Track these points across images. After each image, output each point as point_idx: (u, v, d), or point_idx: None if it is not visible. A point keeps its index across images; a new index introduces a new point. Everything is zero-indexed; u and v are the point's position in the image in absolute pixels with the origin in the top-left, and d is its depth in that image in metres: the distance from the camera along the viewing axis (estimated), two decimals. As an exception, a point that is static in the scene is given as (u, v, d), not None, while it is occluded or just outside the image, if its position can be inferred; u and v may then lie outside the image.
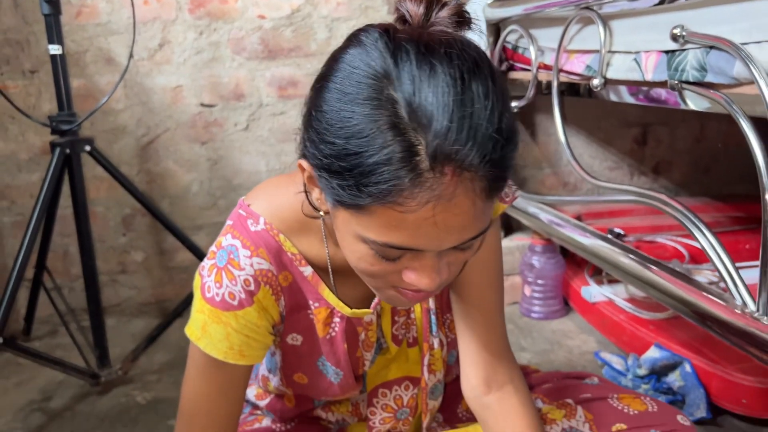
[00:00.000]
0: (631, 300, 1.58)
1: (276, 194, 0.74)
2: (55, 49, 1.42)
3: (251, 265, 0.71)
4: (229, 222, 0.75)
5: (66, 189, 1.50)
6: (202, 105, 1.92)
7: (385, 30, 0.55)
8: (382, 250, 0.57)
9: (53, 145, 1.44)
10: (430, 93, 0.51)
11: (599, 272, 1.78)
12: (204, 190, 1.97)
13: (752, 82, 0.86)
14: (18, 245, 1.39)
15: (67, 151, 1.44)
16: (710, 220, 1.05)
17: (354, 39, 0.57)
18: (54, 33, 1.42)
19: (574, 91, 1.64)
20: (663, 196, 1.06)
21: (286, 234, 0.73)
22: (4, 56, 1.79)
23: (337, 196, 0.56)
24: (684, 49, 1.00)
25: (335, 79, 0.55)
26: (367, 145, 0.51)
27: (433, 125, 0.51)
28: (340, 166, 0.53)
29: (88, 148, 1.49)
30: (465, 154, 0.51)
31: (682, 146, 2.18)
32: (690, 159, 2.20)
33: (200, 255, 1.66)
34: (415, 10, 0.57)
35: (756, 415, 1.19)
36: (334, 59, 0.57)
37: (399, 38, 0.54)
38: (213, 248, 0.74)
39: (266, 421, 0.94)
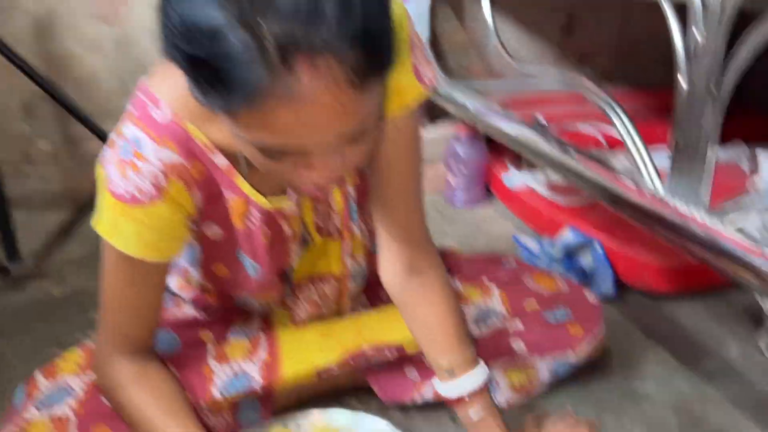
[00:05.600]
0: (551, 186, 1.63)
1: (180, 75, 0.69)
2: None
3: (159, 158, 0.67)
4: (129, 107, 0.69)
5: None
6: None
7: None
8: (263, 151, 0.54)
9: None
10: None
11: (519, 159, 1.80)
12: (113, 74, 1.83)
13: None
14: None
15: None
16: (630, 108, 1.06)
17: None
18: None
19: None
20: (585, 81, 1.06)
21: (193, 121, 0.68)
22: None
23: (205, 101, 0.52)
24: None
25: None
26: (217, 47, 0.46)
27: (278, 6, 0.45)
28: (199, 73, 0.49)
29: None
30: (314, 36, 0.45)
31: (607, 34, 2.18)
32: (615, 47, 2.21)
33: (112, 143, 1.56)
34: None
35: (657, 290, 1.28)
36: None
37: None
38: (113, 136, 0.69)
39: (187, 308, 0.93)
